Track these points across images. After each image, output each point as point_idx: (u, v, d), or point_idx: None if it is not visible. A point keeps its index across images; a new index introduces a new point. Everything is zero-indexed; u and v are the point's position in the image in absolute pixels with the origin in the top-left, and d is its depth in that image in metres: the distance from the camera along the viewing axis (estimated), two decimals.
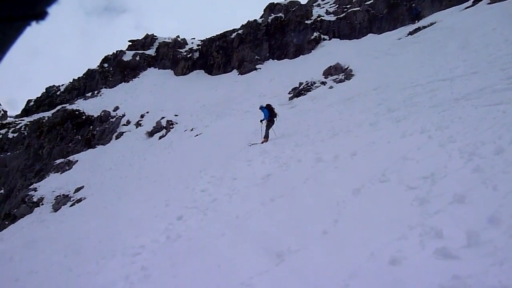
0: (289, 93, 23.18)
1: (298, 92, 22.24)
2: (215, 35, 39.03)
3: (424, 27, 23.63)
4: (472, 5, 23.42)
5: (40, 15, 0.68)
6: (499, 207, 3.48)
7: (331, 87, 20.54)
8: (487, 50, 13.10)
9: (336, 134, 10.31)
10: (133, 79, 37.00)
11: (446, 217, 3.68)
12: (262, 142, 13.37)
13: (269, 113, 14.05)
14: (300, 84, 23.16)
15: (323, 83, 21.78)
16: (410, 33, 24.06)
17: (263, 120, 14.08)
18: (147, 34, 42.51)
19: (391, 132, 8.25)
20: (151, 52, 40.21)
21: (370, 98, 14.33)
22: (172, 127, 25.16)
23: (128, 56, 39.02)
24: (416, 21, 26.76)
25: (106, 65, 38.72)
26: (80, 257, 7.59)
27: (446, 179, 4.60)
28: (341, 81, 20.89)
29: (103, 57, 40.41)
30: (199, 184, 9.60)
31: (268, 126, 13.91)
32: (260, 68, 32.77)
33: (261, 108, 14.38)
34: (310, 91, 21.51)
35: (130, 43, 42.06)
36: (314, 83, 22.19)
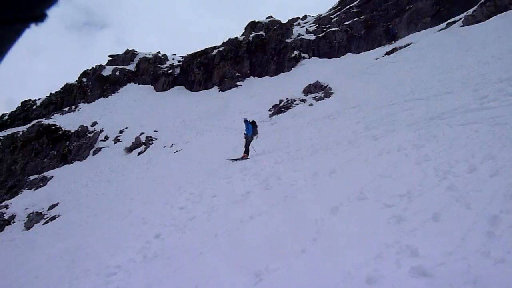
0: (269, 110, 23.35)
1: (279, 109, 22.43)
2: (196, 51, 39.16)
3: (401, 47, 24.37)
4: (446, 28, 24.34)
5: (39, 17, 0.68)
6: (472, 225, 3.55)
7: (311, 105, 20.81)
8: (461, 71, 13.57)
9: (315, 152, 10.39)
10: (113, 94, 36.61)
11: (421, 236, 3.72)
12: (242, 158, 13.35)
13: (252, 130, 14.13)
14: (281, 101, 23.39)
15: (303, 100, 22.06)
16: (387, 53, 24.76)
17: (247, 134, 14.11)
18: (127, 49, 42.35)
19: (369, 150, 8.37)
20: (132, 67, 39.97)
21: (348, 116, 14.57)
22: (152, 143, 24.87)
23: (107, 71, 38.65)
24: (393, 42, 27.58)
25: (85, 79, 38.17)
26: (52, 277, 7.32)
27: (422, 197, 4.67)
28: (320, 99, 21.20)
29: (82, 71, 39.86)
30: (178, 201, 9.46)
31: (249, 143, 13.93)
32: (240, 85, 32.97)
33: (246, 121, 14.42)
34: (290, 108, 21.74)
35: (110, 58, 41.75)
36: (294, 100, 22.46)
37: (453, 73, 13.62)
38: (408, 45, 24.03)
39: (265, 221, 5.91)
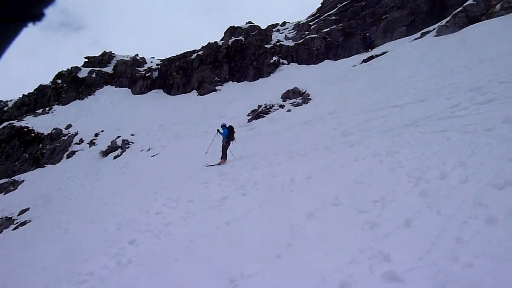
0: (248, 115, 23.38)
1: (257, 114, 22.50)
2: (175, 55, 38.94)
3: (377, 55, 24.90)
4: (421, 37, 25.04)
5: (37, 16, 0.69)
6: (441, 231, 3.64)
7: (289, 110, 20.96)
8: (434, 79, 13.94)
9: (292, 157, 10.45)
10: (88, 97, 35.92)
11: (394, 241, 3.79)
12: (220, 163, 13.30)
13: (228, 134, 14.09)
14: (259, 106, 23.47)
15: (282, 106, 22.20)
16: (364, 61, 25.24)
17: (221, 134, 14.23)
18: (104, 51, 41.66)
19: (345, 156, 8.48)
20: (108, 69, 39.36)
21: (326, 122, 14.74)
22: (128, 147, 24.49)
23: (83, 73, 37.90)
24: (370, 50, 28.15)
25: (59, 81, 37.27)
26: (21, 286, 7.07)
27: (395, 203, 4.76)
28: (298, 104, 21.39)
29: (56, 73, 38.91)
30: (154, 207, 9.33)
31: (226, 147, 13.89)
32: (219, 90, 32.93)
33: (223, 126, 14.46)
34: (269, 113, 21.84)
35: (86, 60, 40.97)
36: (273, 106, 22.58)
37: (427, 82, 13.99)
38: (384, 53, 24.58)
39: (241, 226, 5.89)
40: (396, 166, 6.32)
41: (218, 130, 14.47)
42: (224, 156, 13.71)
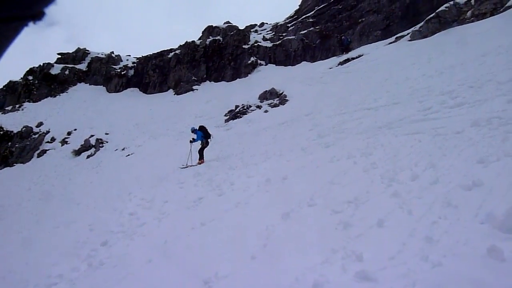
0: (225, 115, 23.28)
1: (234, 114, 22.45)
2: (151, 53, 38.39)
3: (353, 58, 25.28)
4: (395, 41, 25.60)
5: (37, 15, 0.69)
6: (412, 231, 3.72)
7: (266, 111, 21.01)
8: (407, 83, 14.28)
9: (269, 158, 10.48)
10: (61, 94, 34.88)
11: (366, 241, 3.85)
12: (198, 164, 13.21)
13: (204, 134, 13.94)
14: (236, 107, 23.42)
15: (259, 106, 22.22)
16: (341, 63, 25.58)
17: (195, 141, 13.90)
18: (78, 48, 40.60)
19: (321, 157, 8.57)
20: (83, 66, 38.36)
21: (302, 123, 14.85)
22: (102, 146, 23.94)
23: (56, 70, 36.75)
24: (345, 52, 28.53)
25: (30, 77, 36.01)
26: None
27: (368, 204, 4.85)
28: (276, 105, 21.47)
29: (27, 69, 37.55)
30: (127, 207, 9.16)
31: (203, 148, 13.78)
32: (196, 89, 32.67)
33: (194, 130, 14.11)
34: (246, 114, 21.82)
35: (60, 56, 39.78)
36: (250, 106, 22.57)
37: (401, 85, 14.31)
38: (360, 56, 24.98)
39: (216, 227, 5.86)
40: (370, 167, 6.44)
41: (191, 141, 13.98)
42: (202, 157, 13.58)
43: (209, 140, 14.04)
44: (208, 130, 14.30)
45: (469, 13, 22.14)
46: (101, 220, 8.80)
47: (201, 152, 13.72)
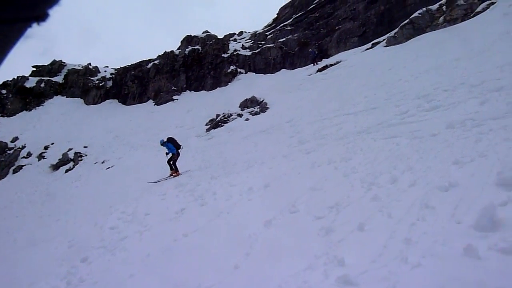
0: (206, 125, 23.24)
1: (215, 123, 22.42)
2: (130, 64, 38.06)
3: (331, 65, 25.67)
4: (371, 47, 26.12)
5: (41, 16, 0.69)
6: (392, 233, 3.78)
7: (247, 119, 21.07)
8: (384, 88, 14.58)
9: (251, 166, 10.49)
10: (37, 108, 34.09)
11: (348, 245, 3.89)
12: (174, 176, 13.06)
13: (174, 146, 13.67)
14: (217, 115, 23.42)
15: (240, 115, 22.28)
16: (319, 70, 25.94)
17: (169, 153, 13.56)
18: (54, 60, 39.82)
19: (302, 163, 8.64)
20: (59, 79, 37.64)
21: (283, 130, 14.95)
22: (81, 160, 23.52)
23: (31, 83, 35.89)
24: (314, 64, 28.81)
25: (4, 91, 35.08)
26: None
27: (349, 208, 4.90)
28: (256, 113, 21.57)
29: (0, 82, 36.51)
30: (108, 221, 8.98)
31: (175, 160, 13.51)
32: (177, 99, 32.53)
33: (163, 143, 13.71)
34: (227, 122, 21.83)
35: (34, 69, 38.92)
36: (231, 115, 22.61)
37: (378, 90, 14.59)
38: (338, 62, 25.38)
39: (199, 238, 5.81)
40: (350, 172, 6.52)
41: (167, 153, 13.62)
42: (176, 169, 13.35)
43: (179, 151, 13.81)
44: (177, 141, 14.04)
45: (441, 19, 22.82)
46: (81, 236, 8.62)
47: (174, 164, 13.43)
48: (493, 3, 20.01)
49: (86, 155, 23.95)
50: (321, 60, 29.03)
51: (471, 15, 20.85)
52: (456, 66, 12.92)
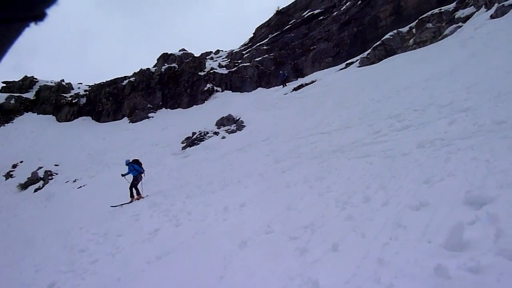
0: (182, 143, 23.07)
1: (191, 141, 22.29)
2: (105, 81, 37.60)
3: (307, 84, 26.13)
4: (345, 67, 26.82)
5: (39, 16, 0.68)
6: (366, 253, 3.81)
7: (223, 137, 21.05)
8: (358, 107, 14.90)
9: (227, 185, 10.44)
10: (6, 124, 33.00)
11: (322, 266, 3.88)
12: (137, 199, 12.64)
13: (137, 169, 13.35)
14: (194, 133, 23.31)
15: (216, 133, 22.25)
16: (295, 89, 26.34)
17: (127, 174, 13.30)
18: (25, 76, 38.87)
19: (278, 182, 8.66)
20: (30, 95, 36.69)
21: (259, 148, 15.00)
22: (52, 178, 22.80)
23: (0, 99, 34.88)
24: (284, 86, 29.26)
25: None
26: None
27: (323, 228, 4.92)
28: (233, 131, 21.59)
29: None
30: (78, 243, 8.69)
31: (136, 184, 13.20)
32: (152, 117, 32.25)
33: (129, 163, 13.42)
34: (203, 140, 21.74)
35: (4, 85, 37.85)
36: (207, 133, 22.54)
37: (352, 109, 14.90)
38: (313, 82, 25.88)
39: (173, 260, 5.69)
40: (325, 191, 6.57)
41: (123, 174, 13.41)
42: (138, 192, 13.01)
43: (142, 175, 13.45)
44: (142, 165, 13.72)
45: (411, 41, 23.73)
46: (49, 259, 8.29)
47: (135, 187, 13.08)
48: (459, 27, 21.00)
49: (57, 174, 23.26)
50: (290, 82, 29.46)
51: (439, 38, 21.79)
52: (425, 87, 13.37)
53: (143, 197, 12.77)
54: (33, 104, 36.04)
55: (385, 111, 12.37)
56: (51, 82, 38.35)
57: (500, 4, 18.94)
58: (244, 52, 40.81)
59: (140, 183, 13.25)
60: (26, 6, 0.66)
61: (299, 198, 6.73)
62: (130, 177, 13.24)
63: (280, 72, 31.47)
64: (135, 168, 13.27)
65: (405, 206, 4.77)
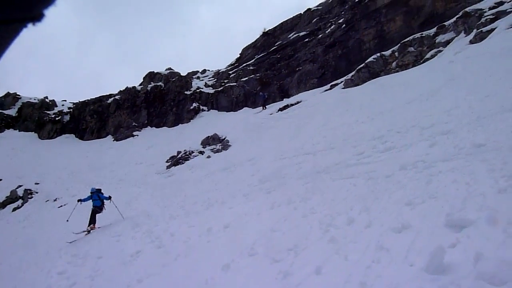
0: (167, 162, 22.89)
1: (176, 160, 22.14)
2: (89, 98, 37.31)
3: (292, 104, 26.41)
4: (330, 89, 27.25)
5: (37, 17, 0.68)
6: (348, 277, 3.80)
7: (208, 157, 20.98)
8: (342, 128, 15.09)
9: (211, 206, 10.36)
10: None
11: None
12: (89, 231, 12.06)
13: (98, 198, 12.97)
14: (179, 152, 23.18)
15: (201, 152, 22.17)
16: (281, 109, 26.57)
17: (83, 201, 12.90)
18: (8, 92, 38.25)
19: (262, 203, 8.63)
20: (12, 112, 36.07)
21: (244, 168, 14.98)
22: (31, 197, 22.23)
23: None
24: (264, 108, 29.61)
25: None
26: None
27: (307, 251, 4.90)
28: (218, 151, 21.55)
29: None
30: (57, 265, 8.43)
31: (96, 212, 12.76)
32: (137, 135, 32.03)
33: (94, 191, 13.08)
34: (188, 160, 21.63)
35: None
36: (192, 152, 22.45)
37: (336, 130, 15.08)
38: (298, 102, 26.17)
39: (153, 284, 5.56)
40: (309, 212, 6.58)
41: (80, 200, 12.99)
42: (93, 221, 12.49)
43: (103, 207, 12.98)
44: (104, 197, 13.22)
45: (394, 64, 24.34)
46: (26, 282, 8.02)
47: (93, 216, 12.61)
48: (440, 51, 21.68)
49: (37, 192, 22.71)
50: (273, 104, 29.67)
51: (421, 61, 22.43)
52: (407, 109, 13.65)
53: (95, 228, 12.20)
54: (15, 121, 35.44)
55: (369, 132, 12.55)
56: (35, 99, 37.85)
57: (478, 30, 19.68)
58: (230, 72, 41.16)
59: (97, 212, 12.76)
60: (24, 7, 0.67)
61: (283, 220, 6.71)
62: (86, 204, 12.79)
63: (260, 93, 31.73)
64: (100, 197, 12.90)
65: (387, 228, 4.79)
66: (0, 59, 0.78)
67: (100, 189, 13.47)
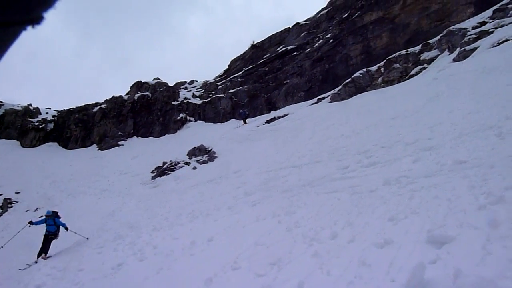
0: (152, 172, 22.68)
1: (162, 171, 21.96)
2: (74, 107, 36.88)
3: (279, 117, 26.57)
4: (317, 102, 27.52)
5: (36, 19, 0.69)
6: None
7: (194, 168, 20.87)
8: (328, 142, 15.20)
9: (195, 218, 10.28)
10: None
11: None
12: (44, 258, 10.64)
13: (53, 223, 11.64)
14: (164, 163, 23.01)
15: (187, 163, 22.06)
16: (268, 122, 26.71)
17: (35, 224, 11.71)
18: None
19: (247, 216, 8.60)
20: None
21: (230, 181, 14.93)
22: (11, 207, 21.67)
23: None
24: (245, 123, 29.74)
25: None
26: None
27: (290, 265, 4.89)
28: (204, 162, 21.47)
29: None
30: (35, 278, 8.23)
31: (50, 239, 11.39)
32: (123, 145, 31.69)
33: (49, 214, 11.84)
34: (174, 171, 21.48)
35: None
36: (178, 163, 22.32)
37: (322, 144, 15.19)
38: (285, 115, 26.35)
39: None
40: (293, 226, 6.58)
41: (31, 222, 11.77)
42: (47, 250, 11.04)
43: (58, 233, 11.59)
44: (61, 223, 11.87)
45: (379, 80, 24.75)
46: None
47: (49, 245, 11.18)
48: (424, 68, 22.16)
49: (17, 202, 22.15)
50: (245, 123, 29.70)
51: (406, 78, 22.87)
52: (392, 125, 13.85)
53: (45, 258, 10.68)
54: None
55: (354, 147, 12.68)
56: (18, 106, 37.19)
57: (462, 49, 20.20)
58: (218, 84, 41.28)
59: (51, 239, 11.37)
60: (24, 10, 0.68)
61: (267, 233, 6.70)
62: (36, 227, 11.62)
63: (241, 111, 31.73)
64: (56, 222, 11.57)
65: (370, 243, 4.83)
66: (0, 61, 0.78)
67: (57, 212, 12.10)
